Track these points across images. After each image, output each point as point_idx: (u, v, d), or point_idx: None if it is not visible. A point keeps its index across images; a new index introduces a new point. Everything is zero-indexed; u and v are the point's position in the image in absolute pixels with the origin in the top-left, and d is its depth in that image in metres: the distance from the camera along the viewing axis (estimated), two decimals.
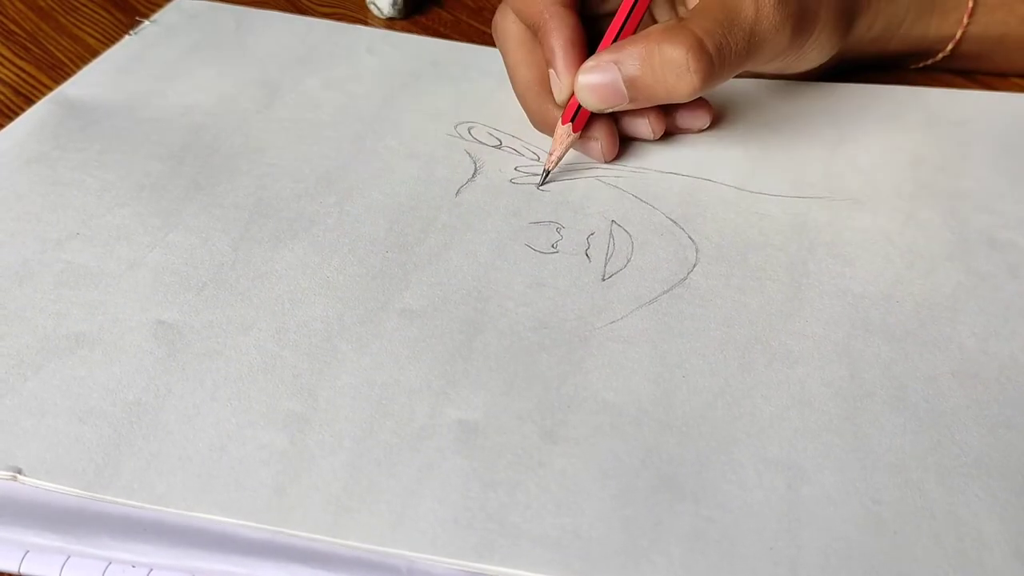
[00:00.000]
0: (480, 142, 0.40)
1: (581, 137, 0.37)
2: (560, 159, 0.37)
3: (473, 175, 0.38)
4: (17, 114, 0.40)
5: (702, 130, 0.39)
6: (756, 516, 0.25)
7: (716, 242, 0.34)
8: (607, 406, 0.28)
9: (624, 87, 0.34)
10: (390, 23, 0.49)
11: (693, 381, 0.29)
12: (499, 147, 0.39)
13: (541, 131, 0.39)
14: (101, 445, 0.26)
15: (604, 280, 0.33)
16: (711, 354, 0.30)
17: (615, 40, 0.35)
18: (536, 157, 0.39)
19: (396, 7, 0.49)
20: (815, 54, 0.38)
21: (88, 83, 0.42)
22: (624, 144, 0.39)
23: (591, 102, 0.35)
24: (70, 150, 0.38)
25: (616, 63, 0.33)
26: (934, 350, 0.30)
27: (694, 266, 0.33)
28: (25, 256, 0.33)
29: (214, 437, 0.27)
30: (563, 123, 0.36)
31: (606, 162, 0.38)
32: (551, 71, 0.36)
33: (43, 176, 0.36)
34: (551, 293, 0.32)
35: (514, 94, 0.39)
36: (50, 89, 0.42)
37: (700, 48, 0.32)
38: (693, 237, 0.34)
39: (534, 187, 0.37)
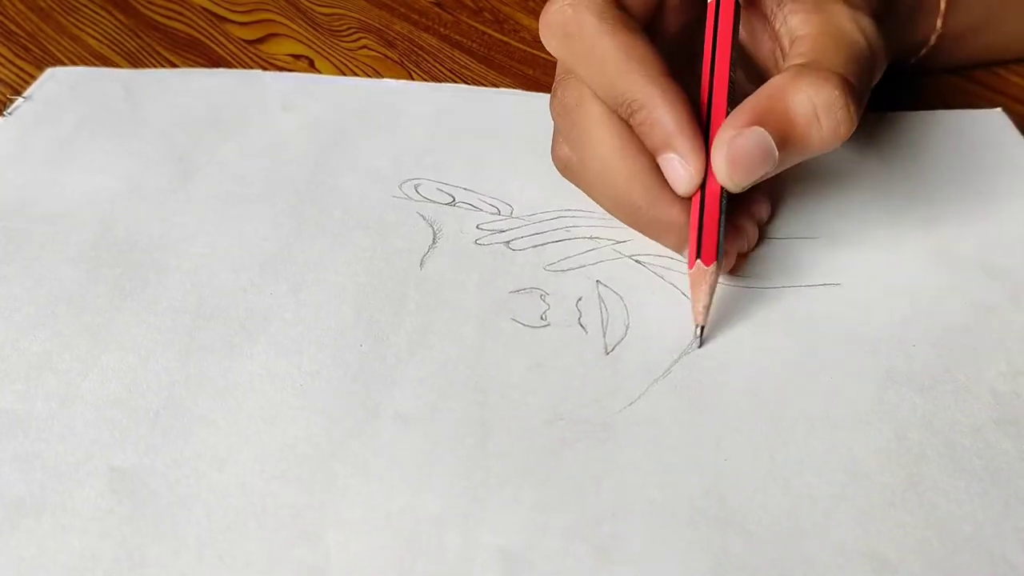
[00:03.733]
0: (431, 200, 0.36)
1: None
2: (710, 306, 0.30)
3: (434, 241, 0.34)
4: None
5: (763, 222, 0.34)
6: None
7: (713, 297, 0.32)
8: (656, 508, 0.25)
9: (775, 148, 0.28)
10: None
11: (737, 464, 0.26)
12: (453, 203, 0.36)
13: (649, 232, 0.32)
14: None
15: (608, 354, 0.30)
16: (746, 428, 0.27)
17: (708, 95, 0.30)
18: (496, 210, 0.36)
19: None
20: None
21: None
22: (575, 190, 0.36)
23: (736, 179, 0.28)
24: None
25: (759, 124, 0.28)
26: (968, 397, 0.28)
27: (696, 326, 0.31)
28: None
29: None
30: (706, 261, 0.29)
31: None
32: (668, 156, 0.29)
33: None
34: (555, 375, 0.29)
35: (609, 192, 0.32)
36: None
37: (850, 86, 0.28)
38: (687, 293, 0.32)
39: (504, 247, 0.34)
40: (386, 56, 0.47)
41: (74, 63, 0.45)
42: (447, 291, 0.32)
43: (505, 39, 0.47)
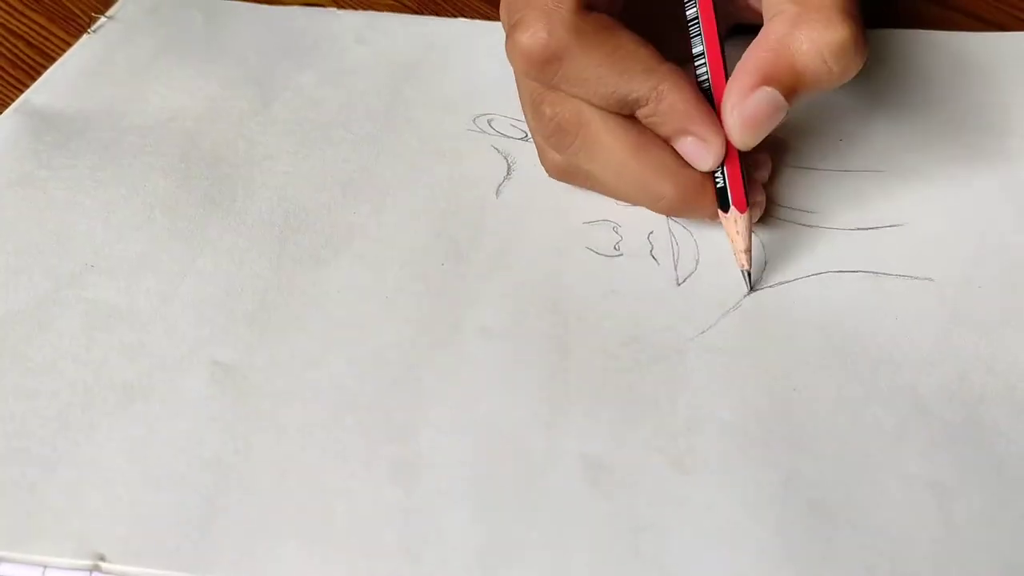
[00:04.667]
0: (505, 135, 0.37)
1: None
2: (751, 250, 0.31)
3: (508, 172, 0.35)
4: (32, 67, 0.39)
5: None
6: (916, 541, 0.24)
7: (780, 235, 0.33)
8: (728, 427, 0.26)
9: (785, 103, 0.28)
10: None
11: (806, 393, 0.27)
12: (525, 139, 0.37)
13: (681, 212, 0.32)
14: (190, 517, 0.23)
15: (679, 285, 0.31)
16: (814, 361, 0.28)
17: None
18: None
19: None
20: None
21: (55, 90, 0.37)
22: None
23: (747, 140, 0.29)
24: (57, 168, 0.33)
25: (766, 83, 0.27)
26: None
27: (765, 263, 0.32)
28: (38, 296, 0.29)
29: (319, 496, 0.24)
30: (740, 209, 0.30)
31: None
32: (687, 139, 0.29)
33: (34, 200, 0.32)
34: (629, 301, 0.30)
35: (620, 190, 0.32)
36: (66, 43, 0.41)
37: (853, 19, 0.27)
38: (755, 231, 0.33)
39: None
40: (404, 5, 0.46)
41: (87, 14, 0.43)
42: (523, 219, 0.33)
43: None
